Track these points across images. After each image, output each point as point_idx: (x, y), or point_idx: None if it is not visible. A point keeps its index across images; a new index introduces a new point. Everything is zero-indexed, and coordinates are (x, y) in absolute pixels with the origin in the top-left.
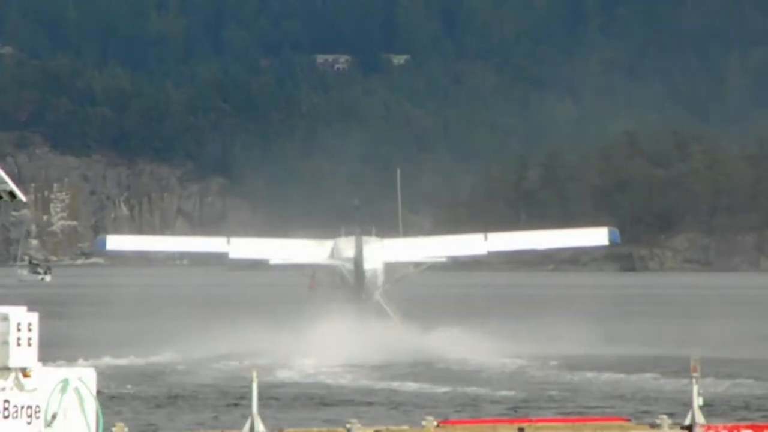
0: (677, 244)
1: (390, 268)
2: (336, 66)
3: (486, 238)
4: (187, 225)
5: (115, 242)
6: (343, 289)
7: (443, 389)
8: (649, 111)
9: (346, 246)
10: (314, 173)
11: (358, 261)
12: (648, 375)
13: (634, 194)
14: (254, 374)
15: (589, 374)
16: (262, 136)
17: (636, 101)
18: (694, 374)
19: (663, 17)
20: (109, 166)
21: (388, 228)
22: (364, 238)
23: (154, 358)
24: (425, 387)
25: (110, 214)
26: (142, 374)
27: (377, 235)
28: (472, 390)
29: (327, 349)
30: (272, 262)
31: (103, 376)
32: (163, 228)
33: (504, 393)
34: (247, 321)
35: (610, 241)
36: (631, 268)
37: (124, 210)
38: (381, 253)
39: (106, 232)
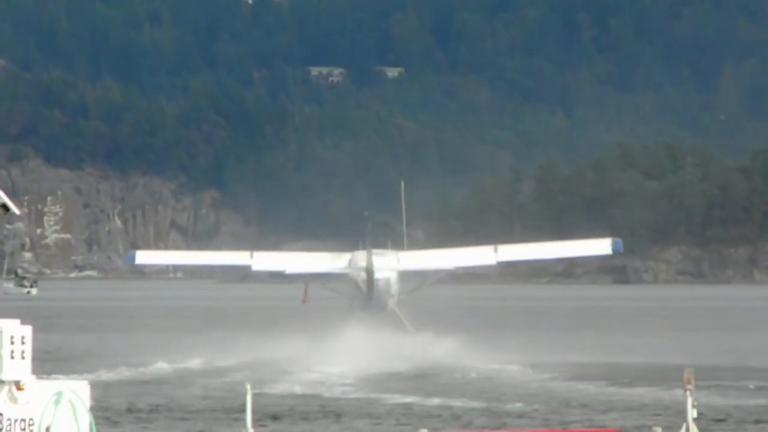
0: (670, 256)
1: (404, 278)
2: (329, 78)
3: (496, 249)
4: (180, 238)
5: (145, 257)
6: (358, 299)
7: (439, 401)
8: (642, 123)
9: (361, 257)
10: (307, 186)
11: (369, 270)
12: (641, 386)
13: (627, 206)
14: (249, 387)
15: (581, 385)
16: (255, 149)
17: (629, 113)
18: (689, 386)
19: (656, 30)
20: (102, 178)
21: (384, 240)
22: (379, 250)
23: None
24: (424, 399)
25: (104, 227)
26: (159, 383)
27: (392, 248)
28: (467, 402)
29: (337, 359)
30: (288, 272)
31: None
32: (157, 241)
33: (504, 406)
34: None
35: (613, 250)
36: (625, 281)
37: (118, 223)
38: (394, 263)
39: (100, 245)
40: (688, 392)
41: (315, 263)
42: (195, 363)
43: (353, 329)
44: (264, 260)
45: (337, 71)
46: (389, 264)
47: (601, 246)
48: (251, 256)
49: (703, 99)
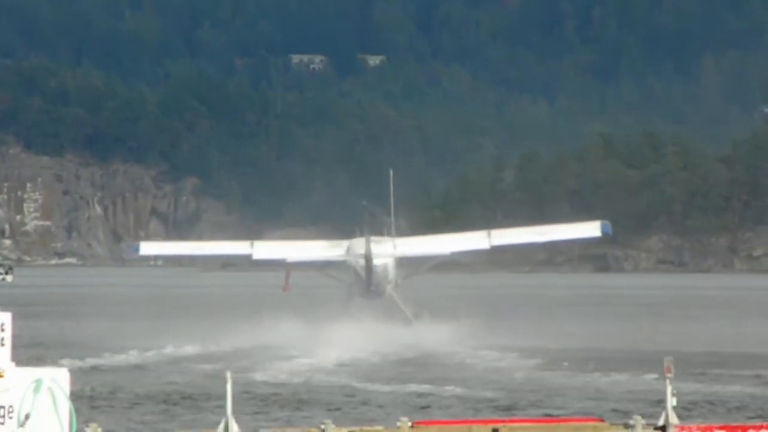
0: (651, 245)
1: (400, 264)
2: (311, 66)
3: (489, 234)
4: (161, 225)
5: (148, 248)
6: (356, 284)
7: (424, 388)
8: (624, 113)
9: (359, 245)
10: (288, 174)
11: (368, 257)
12: (622, 374)
13: (608, 195)
14: (228, 375)
15: (564, 373)
16: (237, 137)
17: (611, 103)
18: (668, 375)
19: (638, 20)
20: (82, 166)
21: (365, 227)
22: (377, 237)
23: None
24: (410, 387)
25: (84, 214)
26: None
27: (388, 234)
28: (452, 389)
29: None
30: (290, 260)
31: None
32: (137, 228)
33: (486, 394)
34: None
35: (602, 232)
36: (606, 269)
37: (98, 210)
38: (391, 250)
39: (80, 232)
40: (667, 380)
41: (314, 251)
42: (190, 349)
43: (354, 314)
44: (264, 249)
45: (318, 59)
46: (387, 250)
47: (590, 228)
48: (252, 246)
49: (684, 89)
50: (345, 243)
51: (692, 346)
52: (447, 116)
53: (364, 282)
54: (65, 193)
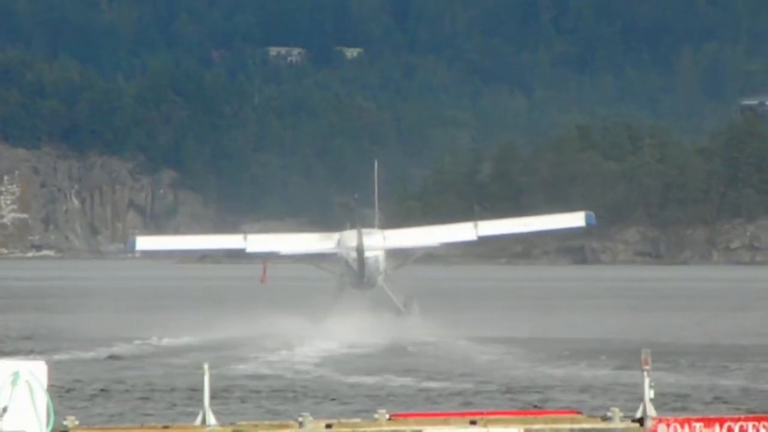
0: (629, 236)
1: (390, 256)
2: (288, 59)
3: (476, 225)
4: (138, 218)
5: (145, 242)
6: (348, 276)
7: (403, 381)
8: (601, 104)
9: (350, 237)
10: (266, 166)
11: (360, 249)
12: (599, 367)
13: (586, 187)
14: (206, 367)
15: (540, 365)
16: (214, 129)
17: (588, 95)
18: (646, 367)
19: (615, 11)
20: (59, 158)
21: (356, 220)
22: (367, 230)
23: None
24: (394, 379)
25: (61, 206)
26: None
27: (378, 227)
28: (429, 383)
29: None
30: (283, 253)
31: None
32: (115, 221)
33: (464, 386)
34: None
35: (587, 223)
36: (583, 261)
37: (75, 202)
38: (381, 242)
39: (57, 225)
40: (645, 372)
41: (306, 244)
42: (185, 340)
43: (344, 306)
44: (257, 242)
45: (296, 51)
46: (377, 243)
47: (575, 219)
48: (245, 239)
49: (662, 80)
50: (336, 235)
51: (668, 338)
52: (424, 108)
53: (357, 274)
54: (42, 185)
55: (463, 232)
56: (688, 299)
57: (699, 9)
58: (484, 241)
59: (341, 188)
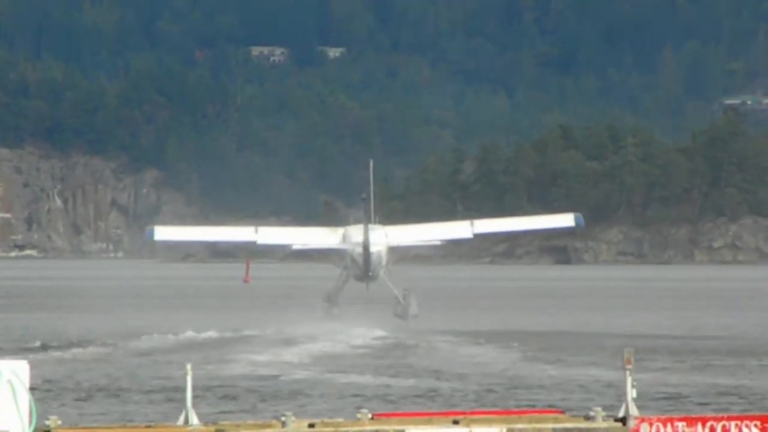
0: (611, 236)
1: (391, 251)
2: (271, 58)
3: (472, 224)
4: (121, 217)
5: (163, 233)
6: (353, 269)
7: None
8: (583, 104)
9: (355, 232)
10: (249, 166)
11: (366, 245)
12: (583, 366)
13: (568, 187)
14: (188, 367)
15: (523, 365)
16: (197, 129)
17: (570, 94)
18: (628, 366)
19: (597, 11)
20: (42, 158)
21: (364, 217)
22: (371, 226)
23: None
24: (382, 379)
25: (44, 206)
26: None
27: (380, 223)
28: (413, 382)
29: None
30: (294, 247)
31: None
32: (97, 220)
33: (455, 384)
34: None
35: (576, 224)
36: (566, 261)
37: (58, 202)
38: (384, 238)
39: (40, 224)
40: (627, 372)
41: (313, 238)
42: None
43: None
44: (267, 235)
45: (278, 51)
46: (381, 238)
47: (565, 220)
48: (256, 232)
49: (643, 80)
50: (340, 230)
51: (651, 338)
52: (406, 107)
53: (362, 267)
54: (25, 185)
55: (460, 229)
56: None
57: (680, 8)
58: (466, 241)
59: (324, 188)
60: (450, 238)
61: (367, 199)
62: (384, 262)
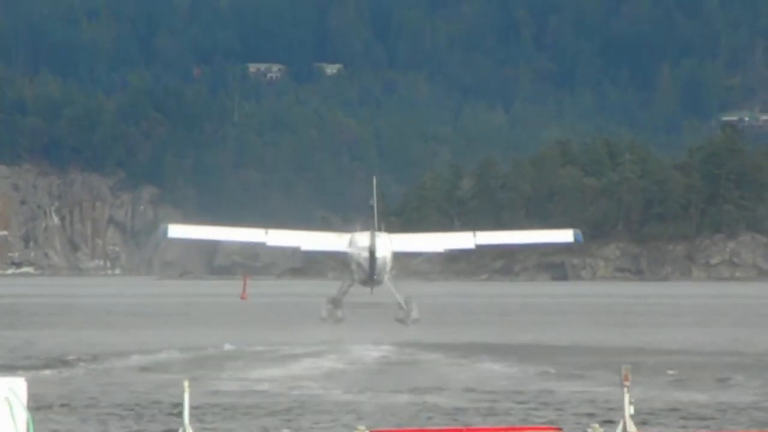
0: (609, 252)
1: (395, 257)
2: (268, 75)
3: (475, 235)
4: (119, 234)
5: (177, 231)
6: (358, 273)
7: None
8: (581, 120)
9: (361, 238)
10: (246, 182)
11: (372, 250)
12: (580, 383)
13: (566, 203)
14: (186, 384)
15: (523, 381)
16: (194, 145)
17: (568, 110)
18: (626, 383)
19: (594, 27)
20: (40, 175)
21: (370, 224)
22: (377, 233)
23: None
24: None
25: (41, 223)
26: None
27: (386, 231)
28: (414, 398)
29: None
30: (303, 248)
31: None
32: (95, 237)
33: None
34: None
35: (575, 240)
36: (563, 277)
37: (56, 219)
38: (389, 245)
39: (37, 241)
40: (625, 389)
41: (322, 241)
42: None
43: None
44: (277, 237)
45: (276, 68)
46: (385, 244)
47: (564, 235)
48: (266, 233)
49: (641, 96)
50: (347, 236)
51: (652, 354)
52: (404, 123)
53: (367, 271)
54: (22, 202)
55: (463, 240)
56: None
57: (677, 24)
58: (468, 251)
59: (322, 204)
60: (453, 247)
61: (374, 206)
62: (388, 268)
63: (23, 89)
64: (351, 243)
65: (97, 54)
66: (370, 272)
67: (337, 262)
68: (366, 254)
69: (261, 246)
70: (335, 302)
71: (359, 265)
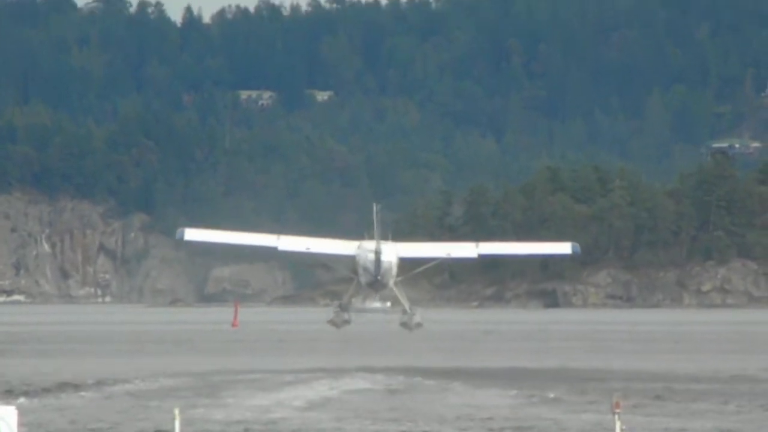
0: (599, 279)
1: (401, 265)
2: (259, 102)
3: (477, 245)
4: (109, 262)
5: (193, 234)
6: (364, 276)
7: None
8: (571, 147)
9: (368, 245)
10: (236, 209)
11: (378, 254)
12: (571, 409)
13: (556, 230)
14: (176, 412)
15: (521, 407)
16: (185, 172)
17: (558, 138)
18: (617, 410)
19: (584, 55)
20: (30, 203)
21: (376, 231)
22: (383, 241)
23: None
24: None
25: (32, 251)
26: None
27: (392, 240)
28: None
29: None
30: (313, 250)
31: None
32: (86, 265)
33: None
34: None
35: (572, 252)
36: (555, 305)
37: (46, 247)
38: (395, 252)
39: (27, 269)
40: (616, 416)
41: (332, 247)
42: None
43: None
44: (289, 243)
45: (266, 95)
46: (391, 250)
47: (562, 247)
48: (278, 239)
49: (631, 124)
50: (354, 243)
51: (643, 381)
52: (394, 150)
53: (372, 273)
54: (13, 230)
55: (466, 249)
56: None
57: (667, 53)
58: (470, 260)
59: (313, 231)
60: (456, 256)
61: (380, 212)
62: (394, 273)
63: (14, 117)
64: (359, 247)
65: (88, 82)
66: (375, 272)
67: (344, 265)
68: (372, 256)
69: (251, 274)
70: (342, 306)
71: (365, 267)
